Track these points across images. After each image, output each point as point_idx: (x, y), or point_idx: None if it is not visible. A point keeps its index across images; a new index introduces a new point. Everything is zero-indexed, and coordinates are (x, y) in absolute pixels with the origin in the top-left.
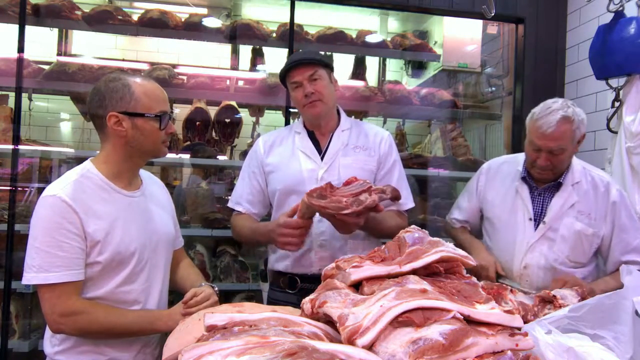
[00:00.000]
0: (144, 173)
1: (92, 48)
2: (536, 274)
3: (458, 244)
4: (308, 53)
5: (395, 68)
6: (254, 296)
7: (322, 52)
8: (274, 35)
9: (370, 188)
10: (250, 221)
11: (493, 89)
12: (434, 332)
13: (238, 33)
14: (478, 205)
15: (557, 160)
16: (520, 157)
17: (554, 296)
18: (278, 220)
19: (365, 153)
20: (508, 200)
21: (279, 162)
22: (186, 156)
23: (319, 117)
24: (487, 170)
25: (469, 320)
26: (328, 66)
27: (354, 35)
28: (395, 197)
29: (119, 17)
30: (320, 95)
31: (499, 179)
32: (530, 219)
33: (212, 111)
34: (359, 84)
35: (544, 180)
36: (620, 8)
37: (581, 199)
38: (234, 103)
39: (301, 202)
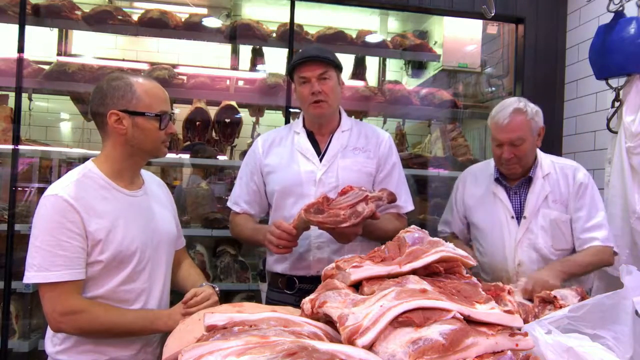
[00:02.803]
0: (145, 173)
1: (92, 48)
2: (530, 268)
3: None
4: (322, 50)
5: (395, 68)
6: (254, 296)
7: None
8: (274, 35)
9: (367, 197)
10: (251, 221)
11: (493, 89)
12: (434, 332)
13: (238, 33)
14: (462, 215)
15: (519, 151)
16: (492, 162)
17: (555, 297)
18: (275, 222)
19: (364, 155)
20: (488, 203)
21: (278, 163)
22: (186, 156)
23: (322, 118)
24: (463, 179)
25: (469, 320)
26: (338, 67)
27: (354, 35)
28: (392, 200)
29: (119, 17)
30: (326, 97)
31: (475, 184)
32: (513, 217)
33: (212, 111)
34: (359, 84)
35: (514, 176)
36: (620, 8)
37: (553, 188)
38: (234, 103)
39: (297, 216)
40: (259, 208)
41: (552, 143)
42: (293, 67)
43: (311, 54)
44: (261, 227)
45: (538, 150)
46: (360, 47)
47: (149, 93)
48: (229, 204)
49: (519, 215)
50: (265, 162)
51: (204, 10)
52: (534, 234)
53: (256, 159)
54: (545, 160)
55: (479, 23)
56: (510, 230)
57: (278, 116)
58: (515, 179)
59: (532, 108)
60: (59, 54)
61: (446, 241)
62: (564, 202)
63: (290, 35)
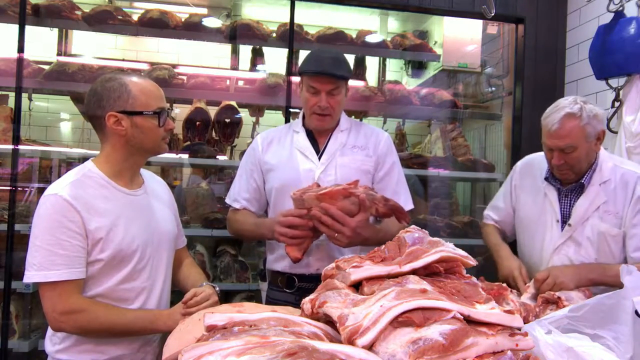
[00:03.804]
0: (145, 172)
1: (92, 48)
2: None
3: (486, 244)
4: (337, 64)
5: (395, 68)
6: (254, 296)
7: None
8: (274, 35)
9: (357, 181)
10: (251, 217)
11: (493, 89)
12: (434, 332)
13: (238, 33)
14: (512, 205)
15: (570, 158)
16: None
17: (559, 297)
18: (281, 212)
19: (363, 153)
20: (537, 201)
21: (277, 160)
22: (186, 156)
23: (324, 128)
24: (520, 169)
25: (469, 320)
26: (350, 78)
27: (354, 35)
28: (389, 212)
29: (119, 17)
30: (332, 111)
31: (530, 178)
32: (558, 221)
33: (212, 111)
34: (359, 84)
35: (566, 181)
36: (620, 8)
37: (609, 198)
38: (234, 103)
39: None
40: (258, 205)
41: None
42: (304, 73)
43: (327, 70)
44: (264, 220)
45: (601, 152)
46: (360, 47)
47: (144, 91)
48: (227, 200)
49: (565, 220)
50: (264, 159)
51: (204, 10)
52: (576, 244)
53: (256, 156)
54: (607, 165)
55: (479, 23)
56: (552, 235)
57: (278, 116)
58: (568, 183)
59: (589, 111)
60: (59, 54)
61: (487, 230)
62: (619, 215)
63: (290, 35)
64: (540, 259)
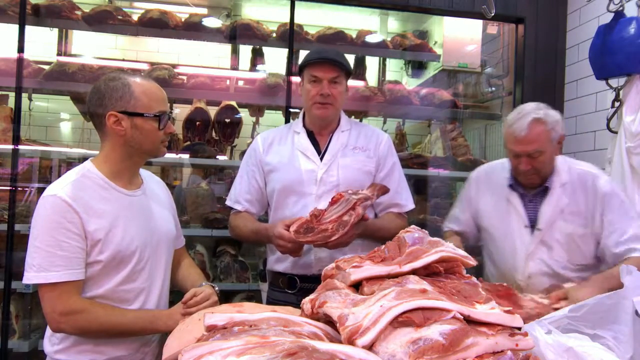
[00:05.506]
0: (144, 172)
1: (92, 48)
2: (541, 282)
3: None
4: (338, 55)
5: (395, 68)
6: (254, 296)
7: None
8: (274, 35)
9: (355, 204)
10: (251, 221)
11: (493, 89)
12: (434, 332)
13: (238, 33)
14: (473, 215)
15: (537, 163)
16: (507, 163)
17: None
18: (274, 229)
19: (364, 154)
20: (501, 209)
21: (278, 161)
22: (186, 156)
23: (326, 120)
24: (476, 179)
25: (469, 320)
26: (349, 73)
27: (354, 35)
28: (384, 192)
29: (119, 17)
30: (334, 100)
31: (489, 187)
32: (526, 226)
33: (212, 111)
34: (359, 84)
35: (531, 185)
36: (620, 8)
37: (571, 199)
38: (234, 103)
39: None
40: (260, 206)
41: None
42: (306, 63)
43: (329, 56)
44: (260, 229)
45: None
46: (360, 47)
47: (147, 93)
48: (228, 202)
49: (533, 225)
50: (266, 160)
51: (204, 10)
52: (548, 247)
53: (257, 156)
54: (564, 167)
55: (479, 23)
56: (522, 240)
57: (278, 116)
58: (533, 188)
59: (553, 116)
60: (59, 54)
61: (446, 238)
62: (583, 215)
63: (290, 35)
64: (514, 266)
